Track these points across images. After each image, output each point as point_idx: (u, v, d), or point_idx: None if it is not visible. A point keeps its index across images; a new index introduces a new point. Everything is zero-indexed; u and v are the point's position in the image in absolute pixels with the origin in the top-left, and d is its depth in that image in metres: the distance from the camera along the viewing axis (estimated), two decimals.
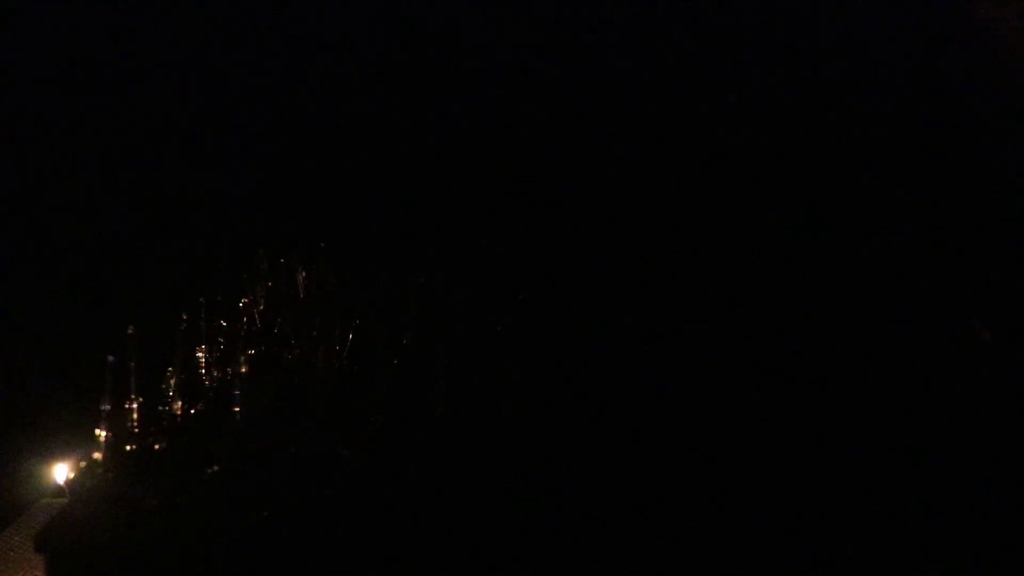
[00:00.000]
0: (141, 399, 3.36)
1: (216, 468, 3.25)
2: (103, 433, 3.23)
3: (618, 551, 3.46)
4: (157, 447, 3.34)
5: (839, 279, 5.22)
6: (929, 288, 5.10)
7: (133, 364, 3.31)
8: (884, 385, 4.45)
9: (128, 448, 3.30)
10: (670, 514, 3.62)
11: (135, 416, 3.35)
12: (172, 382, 3.50)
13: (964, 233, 5.44)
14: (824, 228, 5.55)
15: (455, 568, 3.29)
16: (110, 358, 3.21)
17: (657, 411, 4.13)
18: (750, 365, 4.55)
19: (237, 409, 3.44)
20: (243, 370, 3.64)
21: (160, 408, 3.48)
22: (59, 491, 3.41)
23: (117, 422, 3.31)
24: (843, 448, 4.05)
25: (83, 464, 3.28)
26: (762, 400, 4.28)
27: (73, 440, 3.58)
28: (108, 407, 3.23)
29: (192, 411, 3.51)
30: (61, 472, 3.43)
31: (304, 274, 4.25)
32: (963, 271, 5.20)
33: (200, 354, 3.72)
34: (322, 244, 4.32)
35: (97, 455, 3.23)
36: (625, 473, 3.74)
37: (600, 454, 3.79)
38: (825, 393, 4.39)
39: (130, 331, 3.27)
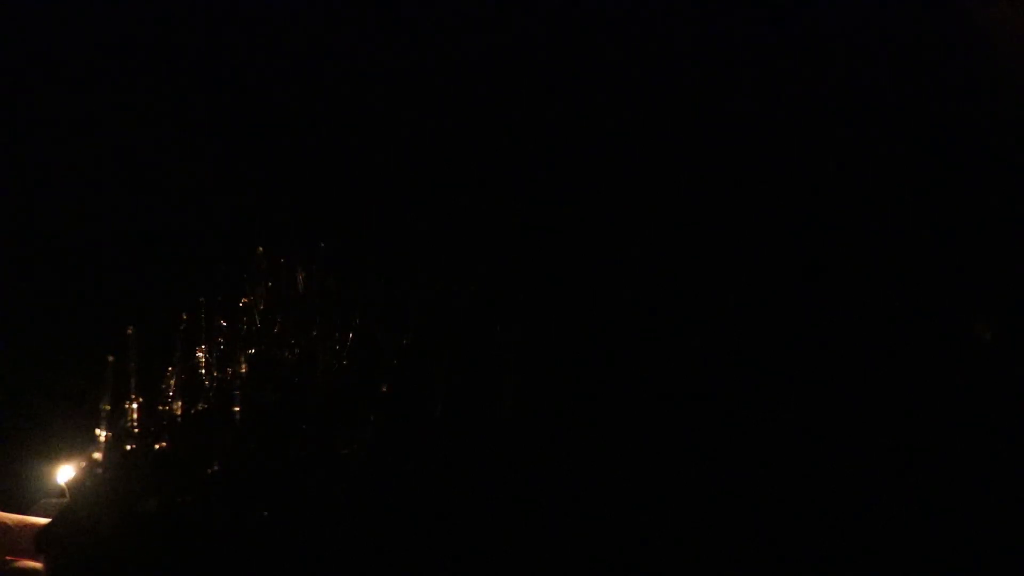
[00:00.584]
0: (141, 399, 3.36)
1: (216, 468, 3.25)
2: (103, 433, 3.23)
3: (618, 551, 3.47)
4: (157, 447, 3.33)
5: (839, 279, 5.23)
6: (929, 288, 5.10)
7: (133, 364, 3.31)
8: (884, 385, 4.46)
9: (128, 448, 3.30)
10: (670, 514, 3.62)
11: (135, 416, 3.34)
12: (172, 382, 3.50)
13: (964, 233, 5.45)
14: (824, 228, 5.56)
15: (455, 568, 3.29)
16: (110, 358, 3.21)
17: (657, 411, 4.14)
18: (750, 365, 4.56)
19: (237, 409, 3.44)
20: (243, 370, 3.64)
21: (160, 408, 3.47)
22: (59, 491, 3.41)
23: (117, 422, 3.31)
24: (843, 448, 4.05)
25: (83, 464, 3.28)
26: (762, 400, 4.28)
27: (73, 440, 3.58)
28: (108, 407, 3.23)
29: (192, 411, 3.51)
30: (61, 472, 3.44)
31: (304, 274, 4.25)
32: (963, 271, 5.20)
33: (200, 354, 3.72)
34: (322, 244, 4.32)
35: (97, 455, 3.23)
36: (625, 473, 3.74)
37: (600, 454, 3.79)
38: (825, 393, 4.40)
39: (130, 331, 3.26)
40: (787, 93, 6.32)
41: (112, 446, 3.29)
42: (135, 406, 3.39)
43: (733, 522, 3.62)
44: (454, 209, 5.73)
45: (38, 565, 2.99)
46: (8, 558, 3.00)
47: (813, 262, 5.35)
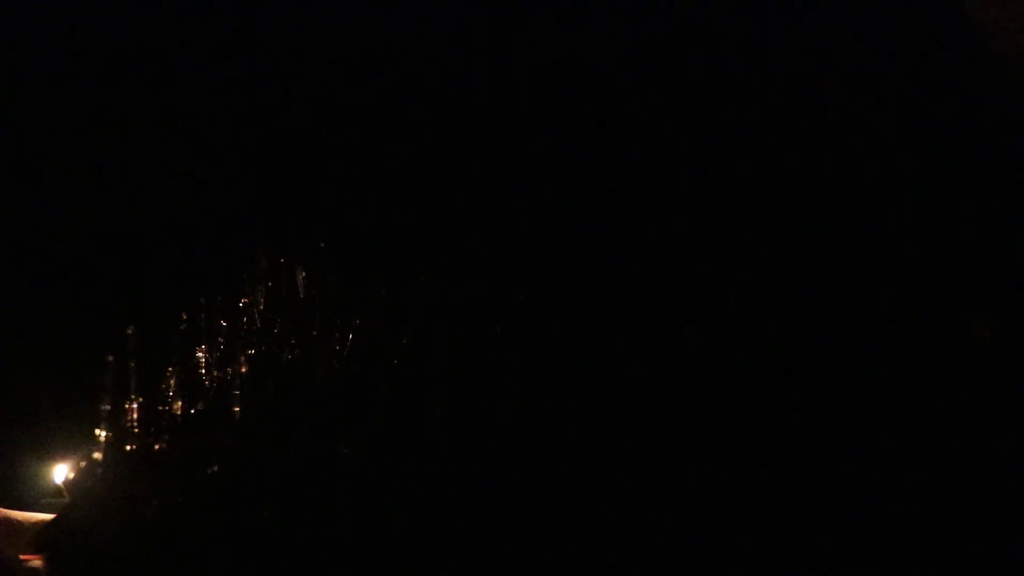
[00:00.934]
0: (141, 399, 3.36)
1: (216, 468, 3.25)
2: (103, 433, 3.24)
3: (618, 551, 3.47)
4: (157, 447, 3.34)
5: (839, 279, 5.23)
6: (929, 288, 5.11)
7: (133, 364, 3.31)
8: (884, 385, 4.46)
9: (128, 448, 3.31)
10: (670, 514, 3.62)
11: (135, 416, 3.35)
12: (172, 382, 3.51)
13: (964, 233, 5.45)
14: (824, 228, 5.56)
15: (456, 568, 3.29)
16: (110, 358, 3.21)
17: (657, 411, 4.14)
18: (750, 365, 4.56)
19: (237, 409, 3.44)
20: (243, 370, 3.64)
21: (160, 408, 3.48)
22: (59, 491, 3.42)
23: (117, 422, 3.31)
24: (843, 448, 4.05)
25: (83, 464, 3.28)
26: (762, 400, 4.28)
27: (73, 440, 3.59)
28: (108, 407, 3.24)
29: (192, 411, 3.52)
30: (61, 472, 3.44)
31: (304, 274, 4.26)
32: (963, 271, 5.20)
33: (200, 354, 3.72)
34: (322, 244, 4.32)
35: (97, 455, 3.24)
36: (625, 473, 3.74)
37: (600, 454, 3.79)
38: (825, 393, 4.40)
39: (130, 331, 3.27)
40: (787, 93, 6.32)
41: (112, 446, 3.29)
42: (135, 406, 3.40)
43: (733, 522, 3.62)
44: (454, 209, 5.73)
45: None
46: (22, 557, 3.00)
47: (813, 262, 5.35)
